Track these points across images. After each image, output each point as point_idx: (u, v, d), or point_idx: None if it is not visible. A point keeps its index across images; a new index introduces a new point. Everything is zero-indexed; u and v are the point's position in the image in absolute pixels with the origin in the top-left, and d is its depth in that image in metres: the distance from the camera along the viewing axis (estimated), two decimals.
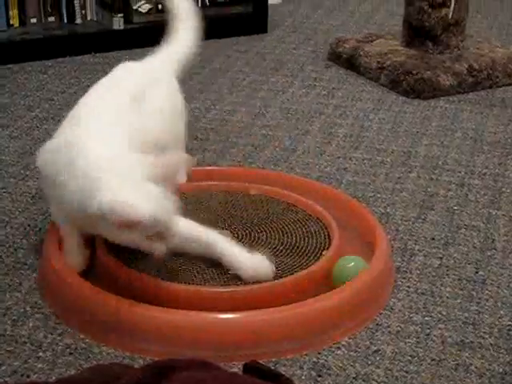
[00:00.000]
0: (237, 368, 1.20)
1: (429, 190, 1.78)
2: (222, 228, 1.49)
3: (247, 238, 1.47)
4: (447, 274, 1.47)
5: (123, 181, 1.23)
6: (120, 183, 1.22)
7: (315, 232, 1.49)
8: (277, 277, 1.35)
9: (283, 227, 1.51)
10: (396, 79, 2.32)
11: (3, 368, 1.21)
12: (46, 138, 1.94)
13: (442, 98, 2.28)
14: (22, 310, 1.34)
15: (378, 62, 2.39)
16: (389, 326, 1.33)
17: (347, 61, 2.50)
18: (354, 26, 2.97)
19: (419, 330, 1.32)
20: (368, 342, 1.29)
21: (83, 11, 2.70)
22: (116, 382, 0.85)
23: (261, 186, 1.65)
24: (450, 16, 2.39)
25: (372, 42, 2.55)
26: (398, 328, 1.33)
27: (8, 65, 2.46)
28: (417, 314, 1.36)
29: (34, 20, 2.65)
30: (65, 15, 2.69)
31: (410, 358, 1.26)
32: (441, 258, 1.52)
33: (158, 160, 1.29)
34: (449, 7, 2.38)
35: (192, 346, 1.23)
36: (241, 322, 1.27)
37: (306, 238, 1.47)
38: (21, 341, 1.27)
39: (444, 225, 1.63)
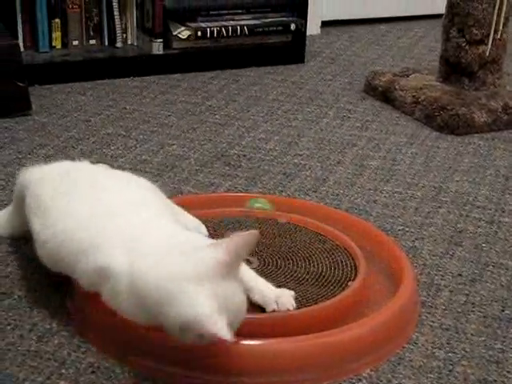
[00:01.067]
0: None
1: (458, 225, 1.77)
2: (250, 255, 1.50)
3: (273, 265, 1.48)
4: (472, 311, 1.46)
5: (201, 287, 1.12)
6: (199, 292, 1.12)
7: (342, 262, 1.49)
8: (301, 306, 1.35)
9: (310, 256, 1.51)
10: (430, 114, 2.32)
11: (26, 383, 1.22)
12: (80, 158, 1.98)
13: (475, 134, 2.28)
14: (48, 327, 1.35)
15: (413, 97, 2.40)
16: (411, 361, 1.32)
17: (382, 94, 2.51)
18: (392, 59, 2.99)
19: (442, 365, 1.32)
20: (389, 376, 1.29)
21: (124, 35, 2.75)
22: None
23: (289, 214, 1.66)
24: (488, 53, 2.39)
25: (408, 76, 2.56)
26: (421, 363, 1.32)
27: (48, 85, 2.50)
28: (440, 349, 1.35)
29: (75, 42, 2.70)
30: (106, 38, 2.74)
31: None
32: (467, 295, 1.51)
33: (230, 243, 1.17)
34: (486, 45, 2.38)
35: (213, 371, 1.23)
36: (262, 349, 1.26)
37: (333, 268, 1.48)
38: (45, 357, 1.28)
39: (472, 261, 1.63)
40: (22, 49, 2.47)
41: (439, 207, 1.85)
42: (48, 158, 2.00)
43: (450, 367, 1.31)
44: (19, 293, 1.44)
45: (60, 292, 1.43)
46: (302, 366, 1.26)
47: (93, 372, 1.26)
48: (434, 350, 1.35)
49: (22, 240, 1.55)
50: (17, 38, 2.50)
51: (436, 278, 1.57)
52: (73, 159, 1.96)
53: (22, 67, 2.24)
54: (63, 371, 1.25)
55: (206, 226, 1.55)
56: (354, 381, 1.27)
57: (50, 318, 1.38)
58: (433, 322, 1.43)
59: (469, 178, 2.01)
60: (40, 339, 1.32)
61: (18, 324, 1.36)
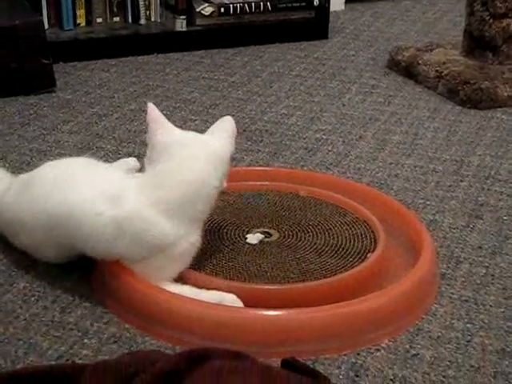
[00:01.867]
0: (275, 364, 1.22)
1: (479, 199, 1.77)
2: (270, 227, 1.52)
3: (293, 238, 1.49)
4: (492, 283, 1.47)
5: None
6: None
7: (361, 235, 1.50)
8: (320, 277, 1.37)
9: (330, 229, 1.52)
10: (453, 89, 2.31)
11: (50, 352, 1.25)
12: (104, 134, 2.01)
13: (498, 109, 2.27)
14: (71, 299, 1.38)
15: (437, 71, 2.39)
16: (430, 331, 1.33)
17: (405, 69, 2.50)
18: (416, 34, 2.97)
19: (460, 336, 1.32)
20: (408, 346, 1.30)
21: (147, 12, 2.76)
22: (151, 366, 0.87)
23: (310, 187, 1.67)
24: None
25: (432, 51, 2.54)
26: (439, 333, 1.33)
27: (73, 62, 2.52)
28: (459, 320, 1.36)
29: (99, 20, 2.71)
30: (129, 16, 2.75)
31: (448, 363, 1.26)
32: (487, 267, 1.52)
33: None
34: (510, 18, 2.37)
35: (233, 341, 1.24)
36: (282, 319, 1.28)
37: (352, 241, 1.49)
38: (68, 327, 1.31)
39: (492, 234, 1.63)
40: (46, 26, 2.49)
41: (461, 181, 1.85)
42: (72, 134, 2.02)
43: (469, 338, 1.32)
44: (42, 265, 1.46)
45: (82, 264, 1.46)
46: (321, 335, 1.28)
47: (115, 342, 1.28)
48: (453, 321, 1.36)
49: None
50: (41, 16, 2.52)
51: (456, 250, 1.57)
52: (96, 135, 2.00)
53: (46, 44, 2.26)
54: (86, 341, 1.28)
55: (227, 200, 1.57)
56: (372, 351, 1.28)
57: (73, 289, 1.40)
58: (452, 293, 1.44)
59: (491, 152, 2.01)
60: (63, 310, 1.35)
61: (41, 295, 1.38)
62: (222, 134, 1.40)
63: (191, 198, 1.32)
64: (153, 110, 1.39)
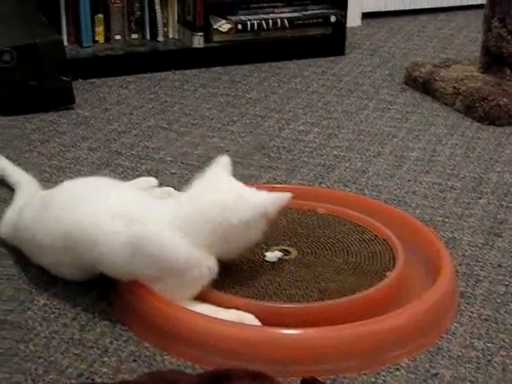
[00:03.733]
0: (295, 383, 1.22)
1: (498, 216, 1.77)
2: (288, 245, 1.52)
3: (312, 255, 1.49)
4: None
5: None
6: None
7: (380, 253, 1.50)
8: (339, 295, 1.36)
9: (348, 246, 1.52)
10: (471, 105, 2.31)
11: (70, 370, 1.25)
12: (122, 151, 2.01)
13: None
14: (91, 316, 1.38)
15: (454, 88, 2.39)
16: (449, 351, 1.33)
17: (423, 85, 2.50)
18: (432, 50, 2.97)
19: (480, 355, 1.32)
20: (428, 365, 1.29)
21: (165, 29, 2.77)
22: None
23: (329, 205, 1.67)
24: None
25: (449, 67, 2.55)
26: (459, 353, 1.32)
27: (91, 79, 2.54)
28: (479, 339, 1.36)
29: (118, 37, 2.73)
30: (148, 33, 2.76)
31: (469, 383, 1.26)
32: (506, 286, 1.51)
33: None
34: None
35: (252, 360, 1.24)
36: (301, 338, 1.28)
37: (371, 258, 1.48)
38: (88, 345, 1.31)
39: (511, 252, 1.62)
40: (65, 44, 2.51)
41: (479, 198, 1.85)
42: (91, 151, 2.03)
43: (489, 357, 1.31)
44: (61, 282, 1.47)
45: (102, 281, 1.46)
46: (341, 355, 1.27)
47: (134, 360, 1.28)
48: (473, 341, 1.35)
49: None
50: (61, 34, 2.54)
51: (475, 268, 1.56)
52: (115, 152, 2.01)
53: (66, 62, 2.28)
54: (105, 359, 1.28)
55: None
56: (392, 370, 1.28)
57: (92, 307, 1.41)
58: (472, 312, 1.43)
59: (510, 168, 2.00)
60: (83, 328, 1.35)
61: (61, 313, 1.39)
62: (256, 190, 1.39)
63: (213, 230, 1.32)
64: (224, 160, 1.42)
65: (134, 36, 2.76)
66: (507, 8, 2.36)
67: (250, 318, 1.31)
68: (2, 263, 1.53)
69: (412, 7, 3.44)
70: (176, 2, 2.76)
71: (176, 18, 2.78)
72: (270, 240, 1.53)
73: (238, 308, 1.32)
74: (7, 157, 1.87)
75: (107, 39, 2.71)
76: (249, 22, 2.75)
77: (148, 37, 2.77)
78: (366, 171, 1.97)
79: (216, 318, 1.29)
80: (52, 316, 1.38)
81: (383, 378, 1.26)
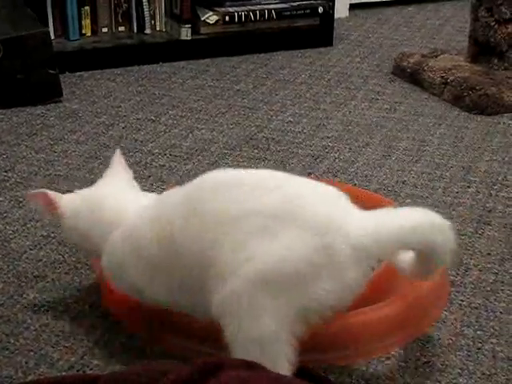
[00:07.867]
0: None
1: (487, 205, 1.77)
2: None
3: None
4: (502, 290, 1.47)
5: None
6: None
7: None
8: None
9: None
10: (459, 95, 2.31)
11: (61, 363, 1.25)
12: (110, 144, 2.01)
13: (505, 114, 2.27)
14: (81, 309, 1.38)
15: (442, 77, 2.39)
16: (440, 339, 1.33)
17: (411, 75, 2.51)
18: (420, 41, 2.97)
19: (470, 343, 1.32)
20: (418, 354, 1.30)
21: (153, 21, 2.76)
22: (164, 378, 0.87)
23: None
24: None
25: (437, 57, 2.55)
26: (449, 341, 1.33)
27: (79, 72, 2.53)
28: (469, 327, 1.36)
29: (105, 29, 2.72)
30: (135, 25, 2.75)
31: (459, 371, 1.26)
32: (496, 274, 1.52)
33: None
34: None
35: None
36: None
37: None
38: (78, 338, 1.31)
39: (501, 240, 1.63)
40: (52, 37, 2.50)
41: (468, 187, 1.85)
42: (79, 144, 2.02)
43: (479, 345, 1.32)
44: (52, 276, 1.47)
45: (91, 274, 1.46)
46: (333, 344, 1.27)
47: (125, 352, 1.28)
48: (463, 329, 1.36)
49: (55, 224, 1.57)
50: (47, 27, 2.52)
51: (465, 257, 1.57)
52: (103, 145, 2.00)
53: (52, 55, 2.27)
54: (96, 351, 1.28)
55: None
56: (383, 359, 1.28)
57: (83, 300, 1.40)
58: (462, 300, 1.44)
59: (498, 157, 2.01)
60: (73, 320, 1.35)
61: (51, 306, 1.39)
62: None
63: None
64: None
65: (121, 28, 2.75)
66: None
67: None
68: None
69: None
70: None
71: (163, 10, 2.76)
72: None
73: None
74: None
75: (94, 32, 2.70)
76: (236, 14, 2.74)
77: (135, 29, 2.75)
78: (355, 161, 1.97)
79: None
80: (42, 309, 1.38)
81: (374, 366, 1.27)
